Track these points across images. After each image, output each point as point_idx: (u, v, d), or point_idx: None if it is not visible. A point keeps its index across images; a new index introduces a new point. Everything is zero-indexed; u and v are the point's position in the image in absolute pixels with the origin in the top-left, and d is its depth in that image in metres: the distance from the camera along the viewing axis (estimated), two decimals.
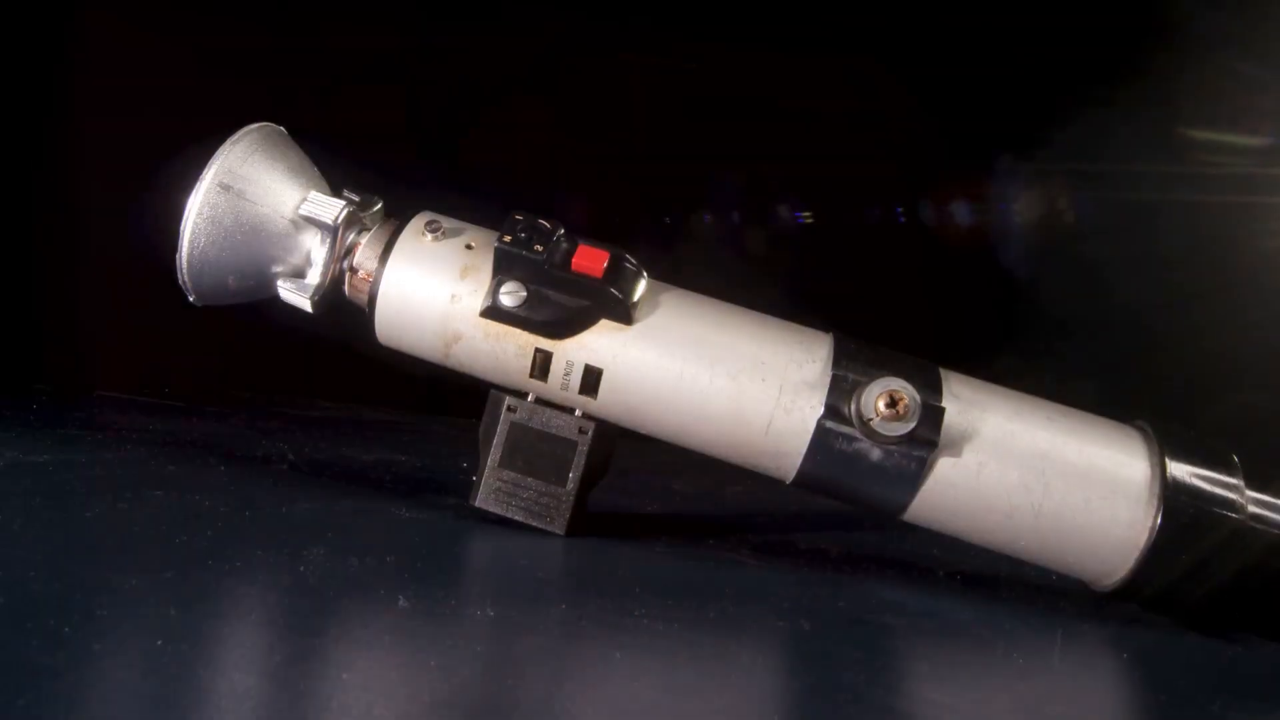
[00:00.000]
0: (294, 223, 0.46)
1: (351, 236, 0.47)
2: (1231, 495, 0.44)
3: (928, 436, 0.43)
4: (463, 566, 0.39)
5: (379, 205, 0.49)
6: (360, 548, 0.38)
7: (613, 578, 0.41)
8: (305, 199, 0.46)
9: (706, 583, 0.42)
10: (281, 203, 0.46)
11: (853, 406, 0.43)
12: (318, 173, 0.49)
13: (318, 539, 0.39)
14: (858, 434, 0.43)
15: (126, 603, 0.29)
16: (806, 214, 0.83)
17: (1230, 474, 0.45)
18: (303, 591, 0.33)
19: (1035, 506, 0.44)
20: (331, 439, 0.67)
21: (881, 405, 0.42)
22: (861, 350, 0.46)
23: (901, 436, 0.42)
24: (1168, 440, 0.45)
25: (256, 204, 0.45)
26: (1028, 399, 0.46)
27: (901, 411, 0.41)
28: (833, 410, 0.43)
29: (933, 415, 0.43)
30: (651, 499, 0.60)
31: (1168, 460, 0.44)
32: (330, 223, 0.46)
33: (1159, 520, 0.43)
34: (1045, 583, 0.49)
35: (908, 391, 0.42)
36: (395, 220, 0.48)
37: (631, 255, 0.46)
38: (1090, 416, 0.47)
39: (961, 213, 0.80)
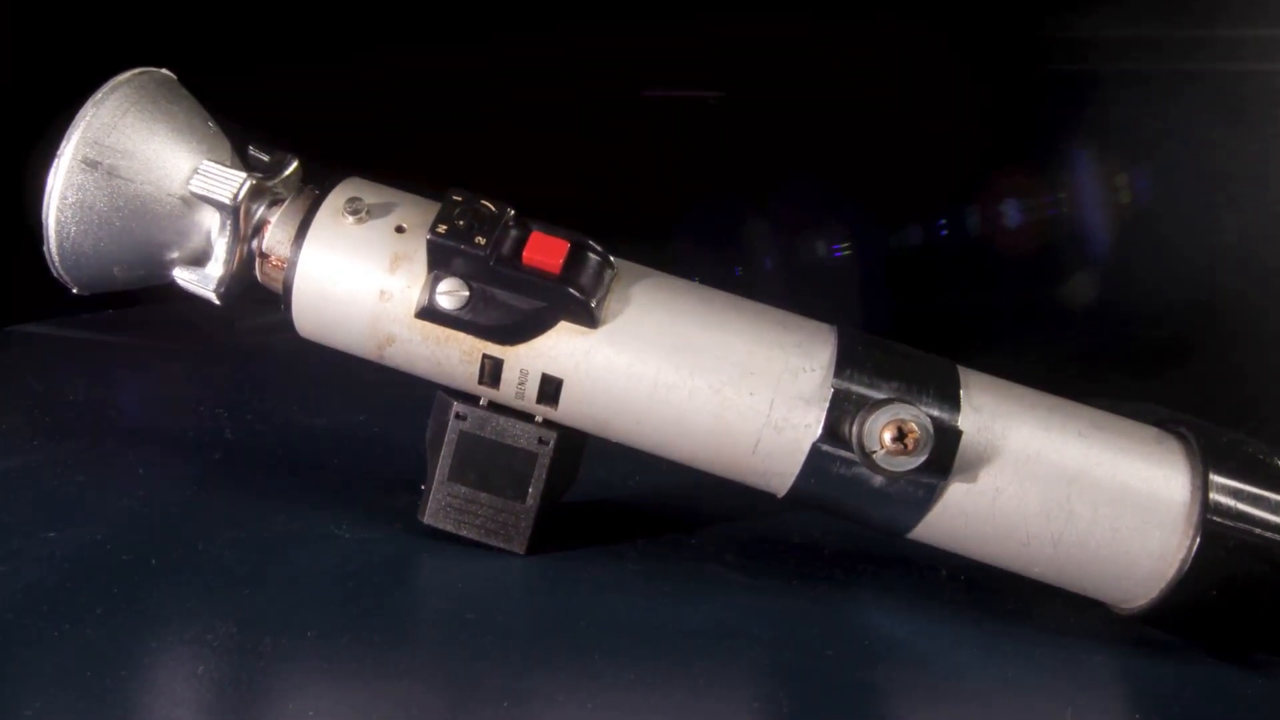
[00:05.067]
0: (185, 200, 0.38)
1: (260, 210, 0.39)
2: (1278, 518, 0.39)
3: (939, 467, 0.37)
4: (398, 629, 0.34)
5: (294, 167, 0.40)
6: (281, 611, 0.33)
7: (574, 625, 0.36)
8: (196, 170, 0.38)
9: (680, 621, 0.38)
10: (166, 177, 0.38)
11: (854, 430, 0.37)
12: (214, 128, 0.40)
13: (233, 601, 0.33)
14: (858, 459, 0.37)
15: None
16: (844, 245, 0.75)
17: (1276, 489, 0.39)
18: (196, 712, 0.28)
19: (1055, 536, 0.39)
20: (283, 388, 0.61)
21: (887, 438, 0.35)
22: (870, 353, 0.39)
23: (907, 472, 0.36)
24: (1212, 453, 0.39)
25: (133, 181, 0.37)
26: (1059, 407, 0.40)
27: (910, 446, 0.35)
28: (831, 432, 0.37)
29: (946, 442, 0.37)
30: (633, 467, 0.55)
31: (1211, 476, 0.39)
32: (228, 202, 0.38)
33: (1193, 552, 0.38)
34: (1056, 591, 0.44)
35: (919, 422, 0.35)
36: (313, 189, 0.40)
37: (597, 242, 0.38)
38: (1128, 425, 0.40)
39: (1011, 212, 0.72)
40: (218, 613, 0.32)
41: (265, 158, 0.41)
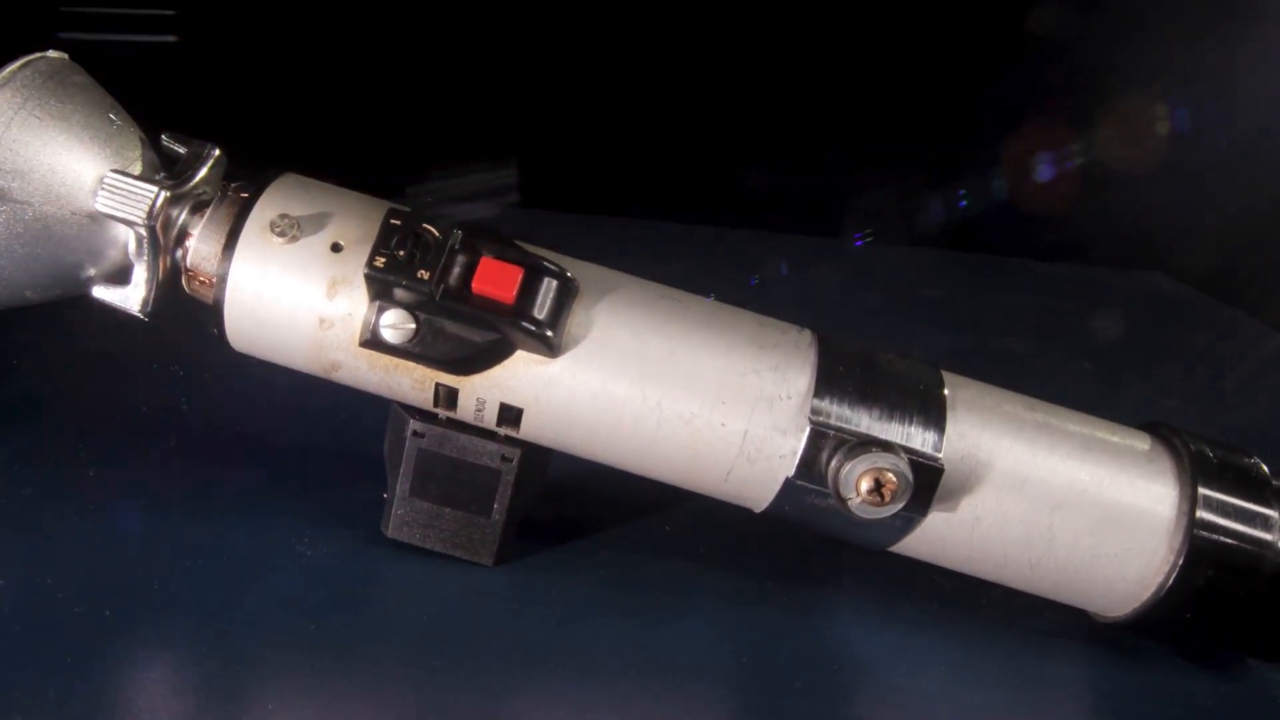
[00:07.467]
0: (94, 216, 0.34)
1: (181, 216, 0.35)
2: (1264, 534, 0.38)
3: (918, 505, 0.35)
4: (361, 686, 0.33)
5: (214, 159, 0.36)
6: (242, 676, 0.32)
7: (542, 665, 0.36)
8: (101, 182, 0.34)
9: (647, 651, 0.37)
10: (68, 193, 0.34)
11: (830, 469, 0.35)
12: (120, 120, 0.35)
13: (192, 665, 0.32)
14: (831, 494, 0.35)
15: None
16: (867, 232, 0.69)
17: (1264, 504, 0.38)
18: None
19: (1034, 560, 0.38)
20: None
21: (864, 487, 0.33)
22: (851, 373, 0.36)
23: (883, 520, 0.34)
24: (1202, 470, 0.38)
25: (30, 204, 0.33)
26: (1047, 425, 0.38)
27: (886, 497, 0.33)
28: (806, 467, 0.35)
29: (926, 481, 0.35)
30: None
31: (1200, 491, 0.37)
32: (140, 221, 0.34)
33: (1172, 577, 0.37)
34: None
35: (897, 472, 0.33)
36: (240, 191, 0.36)
37: (556, 262, 0.34)
38: (1119, 441, 0.39)
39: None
40: (176, 685, 0.32)
41: (181, 150, 0.36)
